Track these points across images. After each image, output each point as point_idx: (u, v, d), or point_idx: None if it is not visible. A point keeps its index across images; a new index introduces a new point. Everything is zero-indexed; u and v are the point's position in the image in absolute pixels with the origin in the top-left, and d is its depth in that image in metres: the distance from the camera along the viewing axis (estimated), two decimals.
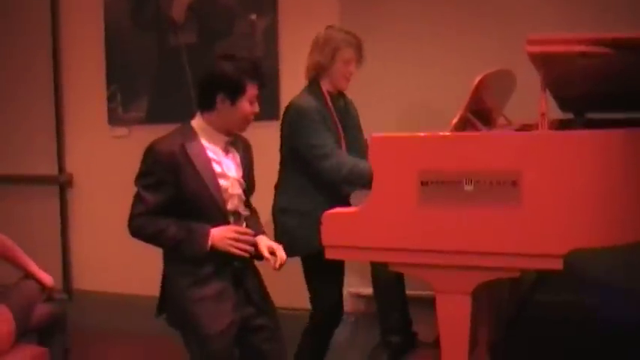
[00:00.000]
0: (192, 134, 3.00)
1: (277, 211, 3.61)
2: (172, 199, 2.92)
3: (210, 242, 2.92)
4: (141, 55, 5.52)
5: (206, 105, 3.00)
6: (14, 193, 5.99)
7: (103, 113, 5.69)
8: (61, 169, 5.87)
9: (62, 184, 5.86)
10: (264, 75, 3.08)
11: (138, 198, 2.96)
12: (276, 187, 3.67)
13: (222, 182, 2.98)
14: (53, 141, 5.84)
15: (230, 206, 3.02)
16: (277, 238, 3.58)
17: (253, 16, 5.10)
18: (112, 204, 5.65)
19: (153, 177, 2.92)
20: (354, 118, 3.81)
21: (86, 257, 5.84)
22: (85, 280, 5.83)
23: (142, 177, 2.96)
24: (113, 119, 5.67)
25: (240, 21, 5.14)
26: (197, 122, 3.04)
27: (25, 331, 3.33)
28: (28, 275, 3.49)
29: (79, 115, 5.81)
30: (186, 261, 2.96)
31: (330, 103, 3.60)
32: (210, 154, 2.99)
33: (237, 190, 3.06)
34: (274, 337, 3.15)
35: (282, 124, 3.63)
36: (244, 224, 3.09)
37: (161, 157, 2.91)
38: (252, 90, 2.97)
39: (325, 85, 3.63)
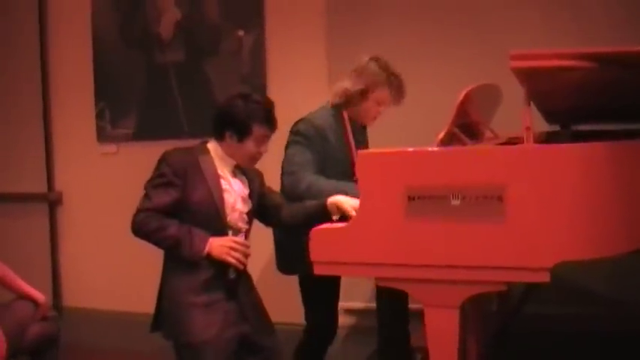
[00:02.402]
0: (206, 151, 3.13)
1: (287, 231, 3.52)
2: (177, 204, 3.00)
3: (207, 248, 2.99)
4: (129, 73, 5.54)
5: (217, 135, 3.13)
6: (3, 212, 5.98)
7: (91, 130, 5.69)
8: (51, 186, 5.86)
9: (52, 201, 5.86)
10: (275, 120, 3.12)
11: (145, 197, 3.03)
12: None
13: (226, 196, 3.07)
14: (42, 159, 5.84)
15: (230, 220, 3.09)
16: (291, 257, 3.52)
17: (240, 33, 5.12)
18: (102, 221, 5.66)
19: (162, 178, 3.02)
20: (365, 140, 3.82)
21: (76, 274, 5.83)
22: (75, 297, 5.82)
23: (152, 179, 3.06)
24: (102, 136, 5.67)
25: (228, 38, 5.17)
26: (211, 144, 3.16)
27: (17, 351, 3.32)
28: (22, 296, 3.48)
29: (67, 133, 5.81)
30: (184, 264, 3.01)
31: (348, 126, 3.60)
32: (219, 172, 3.09)
33: (240, 207, 3.14)
34: (273, 358, 3.17)
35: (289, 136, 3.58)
36: (243, 235, 3.16)
37: (173, 161, 3.03)
38: (259, 132, 3.07)
39: (348, 114, 3.60)
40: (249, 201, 3.19)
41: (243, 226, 3.16)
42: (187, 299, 2.98)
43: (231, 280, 3.08)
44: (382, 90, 3.53)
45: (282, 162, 3.52)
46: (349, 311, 4.82)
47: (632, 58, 2.72)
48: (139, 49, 5.49)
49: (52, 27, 5.80)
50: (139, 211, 3.01)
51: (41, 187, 5.86)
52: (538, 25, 4.37)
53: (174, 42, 5.35)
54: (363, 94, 3.53)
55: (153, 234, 3.00)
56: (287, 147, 3.54)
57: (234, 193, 3.11)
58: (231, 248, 3.02)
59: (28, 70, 5.82)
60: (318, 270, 2.89)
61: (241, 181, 3.18)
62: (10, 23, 5.88)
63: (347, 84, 3.55)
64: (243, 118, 3.04)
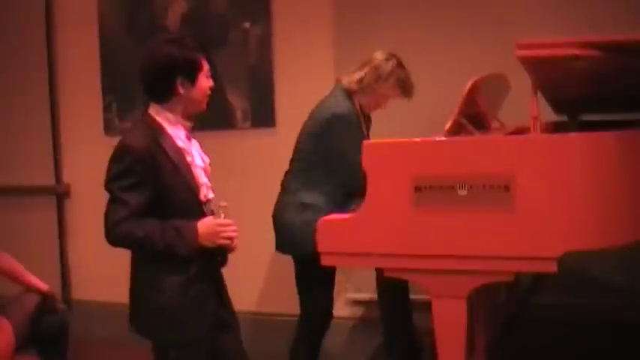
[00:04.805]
0: (159, 127, 2.84)
1: (296, 207, 3.45)
2: (152, 198, 2.75)
3: (199, 238, 2.78)
4: (136, 65, 5.47)
5: (165, 95, 2.89)
6: (12, 204, 5.99)
7: (99, 123, 5.68)
8: (59, 179, 5.86)
9: (60, 194, 5.86)
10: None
11: (118, 202, 2.71)
12: (289, 185, 3.60)
13: (194, 172, 2.87)
14: (50, 151, 5.84)
15: (202, 196, 2.89)
16: (288, 236, 3.47)
17: (247, 25, 5.10)
18: None
19: (134, 176, 2.70)
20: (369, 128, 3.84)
21: (84, 267, 5.83)
22: (84, 290, 5.82)
23: (119, 179, 2.72)
24: (109, 129, 5.66)
25: (234, 30, 5.15)
26: (160, 114, 2.88)
27: (25, 344, 3.34)
28: (29, 289, 3.49)
29: (75, 126, 5.81)
30: (175, 262, 2.79)
31: (360, 112, 3.64)
32: (179, 144, 2.86)
33: (205, 180, 2.93)
34: (239, 338, 3.07)
35: (315, 127, 3.55)
36: (222, 213, 2.88)
37: (141, 154, 2.71)
38: (205, 64, 2.93)
39: (357, 99, 3.63)
40: (209, 168, 2.98)
41: (211, 197, 2.94)
42: (179, 296, 2.80)
43: (215, 270, 2.96)
44: (393, 87, 3.63)
45: (335, 149, 3.46)
46: (356, 302, 4.81)
47: (637, 46, 2.71)
48: (145, 42, 5.48)
49: (59, 20, 5.79)
50: (116, 223, 2.70)
51: (49, 180, 5.86)
52: (546, 16, 4.34)
53: (181, 34, 5.34)
54: (375, 86, 3.60)
55: (139, 243, 2.75)
56: (332, 135, 3.47)
57: (197, 165, 2.89)
58: (218, 231, 2.80)
59: (35, 64, 5.81)
60: (325, 261, 2.89)
61: (196, 144, 2.98)
62: (17, 17, 5.88)
63: (365, 77, 3.61)
64: (189, 55, 2.85)
